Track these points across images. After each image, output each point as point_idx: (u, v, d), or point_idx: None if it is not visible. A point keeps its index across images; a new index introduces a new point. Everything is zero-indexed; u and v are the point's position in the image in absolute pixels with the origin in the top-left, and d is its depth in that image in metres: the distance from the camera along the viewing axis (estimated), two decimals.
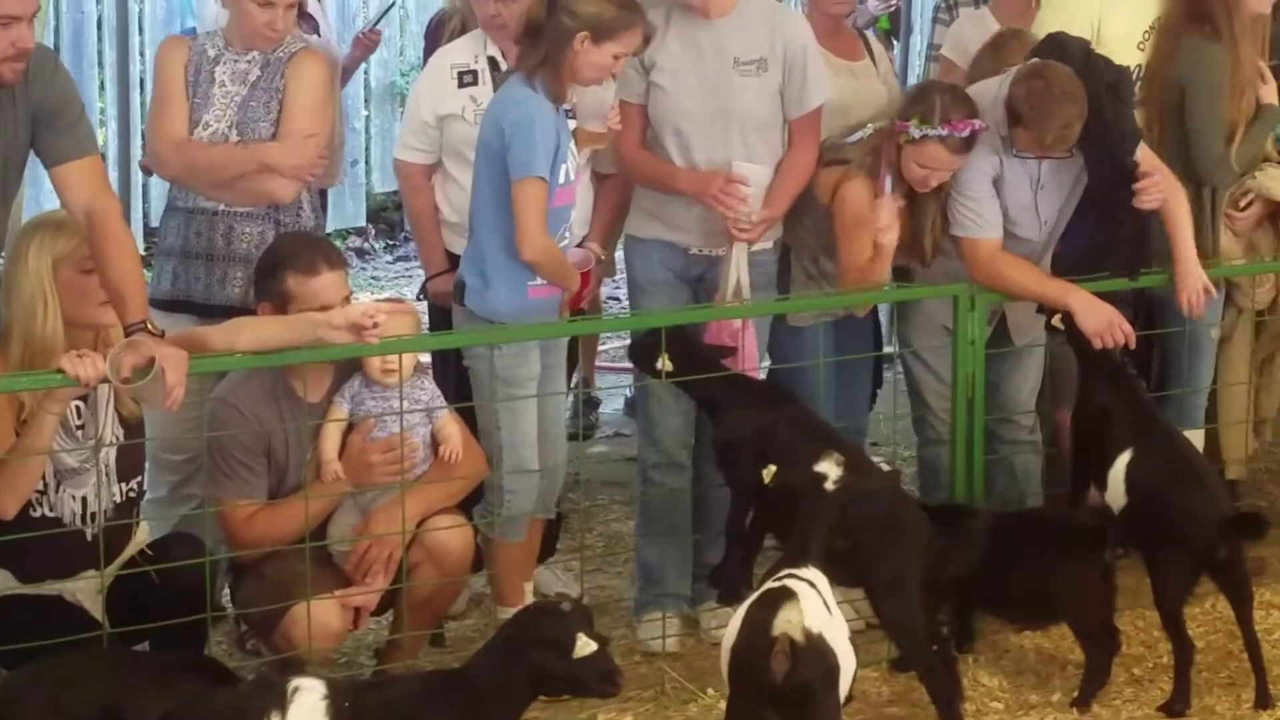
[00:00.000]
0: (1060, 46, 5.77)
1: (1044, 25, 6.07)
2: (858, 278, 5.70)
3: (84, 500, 4.87)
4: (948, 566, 5.36)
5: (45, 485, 4.80)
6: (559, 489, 5.81)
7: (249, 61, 5.76)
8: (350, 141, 10.17)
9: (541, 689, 4.35)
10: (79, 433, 4.86)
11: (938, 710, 5.10)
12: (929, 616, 5.26)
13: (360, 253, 11.79)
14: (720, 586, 5.54)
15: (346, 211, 11.36)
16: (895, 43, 9.45)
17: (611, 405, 8.36)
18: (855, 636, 4.61)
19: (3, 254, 4.97)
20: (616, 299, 9.70)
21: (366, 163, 11.68)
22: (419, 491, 5.18)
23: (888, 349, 6.73)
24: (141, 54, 10.32)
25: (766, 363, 6.03)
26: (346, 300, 5.24)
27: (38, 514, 4.81)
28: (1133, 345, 5.76)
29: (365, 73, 10.93)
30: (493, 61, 5.93)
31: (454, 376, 5.71)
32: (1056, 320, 5.74)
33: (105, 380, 4.53)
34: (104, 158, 6.93)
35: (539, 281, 5.39)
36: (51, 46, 9.15)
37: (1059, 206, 5.89)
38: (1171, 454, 5.52)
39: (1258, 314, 6.49)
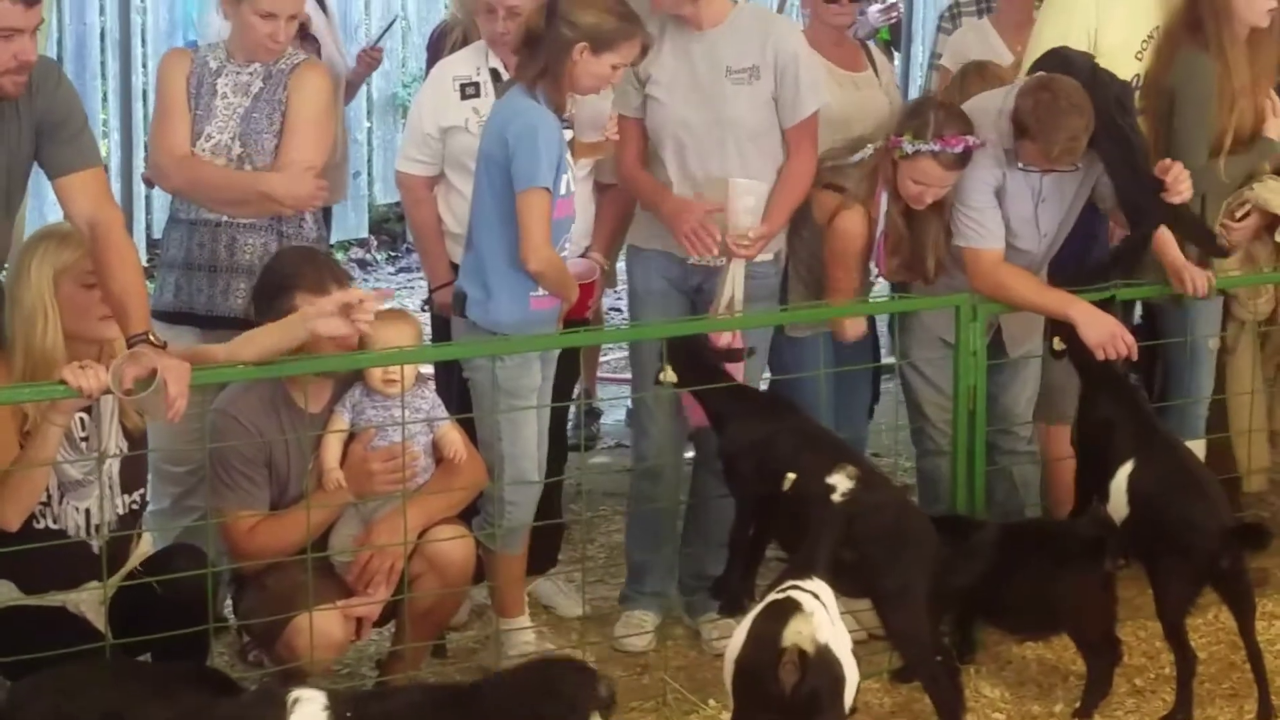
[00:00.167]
0: (1065, 61, 5.77)
1: (1041, 35, 6.07)
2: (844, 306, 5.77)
3: (88, 512, 4.87)
4: (952, 577, 5.36)
5: (49, 497, 4.81)
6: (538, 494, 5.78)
7: (251, 73, 5.76)
8: (352, 153, 10.17)
9: None
10: (83, 444, 4.86)
11: None
12: (932, 627, 5.26)
13: (362, 264, 11.79)
14: (723, 598, 5.55)
15: (349, 223, 11.33)
16: (896, 53, 9.47)
17: (613, 416, 8.34)
18: (857, 647, 4.61)
19: (7, 265, 4.97)
20: (618, 310, 9.69)
21: (369, 174, 11.69)
22: (420, 502, 5.17)
23: (887, 359, 6.73)
24: (144, 66, 10.34)
25: (767, 374, 6.04)
26: None
27: (41, 526, 4.81)
28: (1135, 357, 5.76)
29: (367, 84, 10.90)
30: (495, 73, 5.94)
31: (456, 390, 5.71)
32: (1058, 343, 5.74)
33: (108, 391, 4.53)
34: (106, 169, 6.93)
35: (541, 292, 5.39)
36: (54, 58, 9.14)
37: (1059, 220, 5.89)
38: (1173, 465, 5.52)
39: (1261, 325, 6.49)
